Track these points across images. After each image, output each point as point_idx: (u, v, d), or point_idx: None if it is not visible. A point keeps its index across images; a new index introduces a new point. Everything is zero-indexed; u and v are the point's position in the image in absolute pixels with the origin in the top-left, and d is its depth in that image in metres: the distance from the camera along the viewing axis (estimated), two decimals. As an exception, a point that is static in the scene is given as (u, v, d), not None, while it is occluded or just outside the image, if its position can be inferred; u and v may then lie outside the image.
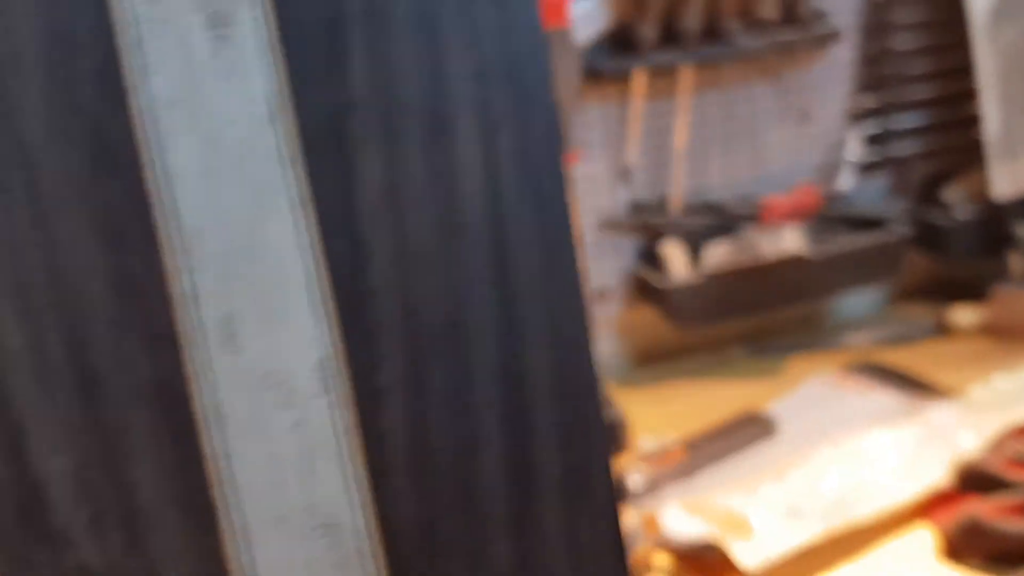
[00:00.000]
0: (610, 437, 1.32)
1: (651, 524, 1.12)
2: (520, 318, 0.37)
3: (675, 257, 1.48)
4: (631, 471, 1.23)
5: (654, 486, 1.20)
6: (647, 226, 1.52)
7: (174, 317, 0.34)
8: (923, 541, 1.05)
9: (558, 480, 0.37)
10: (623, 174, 1.51)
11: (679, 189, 1.51)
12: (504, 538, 0.36)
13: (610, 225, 1.52)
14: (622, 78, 1.46)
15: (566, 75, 1.41)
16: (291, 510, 0.35)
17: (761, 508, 1.12)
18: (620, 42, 1.46)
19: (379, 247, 0.36)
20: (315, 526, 0.35)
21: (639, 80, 1.46)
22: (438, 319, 0.36)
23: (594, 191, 1.51)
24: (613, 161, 1.50)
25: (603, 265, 1.52)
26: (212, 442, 0.34)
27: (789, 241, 1.47)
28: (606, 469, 0.37)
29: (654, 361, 1.55)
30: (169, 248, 0.34)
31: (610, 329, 1.54)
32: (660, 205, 1.52)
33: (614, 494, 0.37)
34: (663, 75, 1.47)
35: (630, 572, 0.37)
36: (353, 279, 0.35)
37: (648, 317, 1.52)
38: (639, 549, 1.10)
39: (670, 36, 1.45)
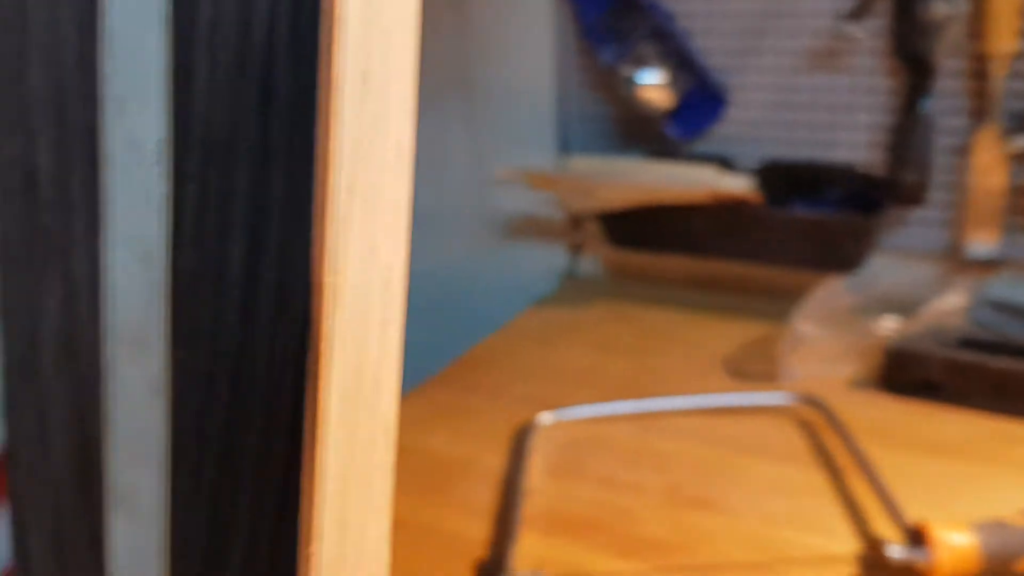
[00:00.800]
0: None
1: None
2: (272, 151, 0.46)
3: None
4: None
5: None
6: None
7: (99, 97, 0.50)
8: None
9: (273, 296, 0.47)
10: None
11: None
12: (233, 312, 0.48)
13: None
14: None
15: None
16: (137, 236, 0.50)
17: None
18: None
19: (201, 67, 0.47)
20: (142, 253, 0.50)
21: None
22: (224, 135, 0.47)
23: None
24: None
25: None
26: (107, 182, 0.51)
27: None
28: (305, 285, 0.45)
29: None
30: (100, 53, 0.50)
31: None
32: None
33: (308, 309, 0.45)
34: None
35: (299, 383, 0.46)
36: (183, 88, 0.48)
37: None
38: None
39: None
